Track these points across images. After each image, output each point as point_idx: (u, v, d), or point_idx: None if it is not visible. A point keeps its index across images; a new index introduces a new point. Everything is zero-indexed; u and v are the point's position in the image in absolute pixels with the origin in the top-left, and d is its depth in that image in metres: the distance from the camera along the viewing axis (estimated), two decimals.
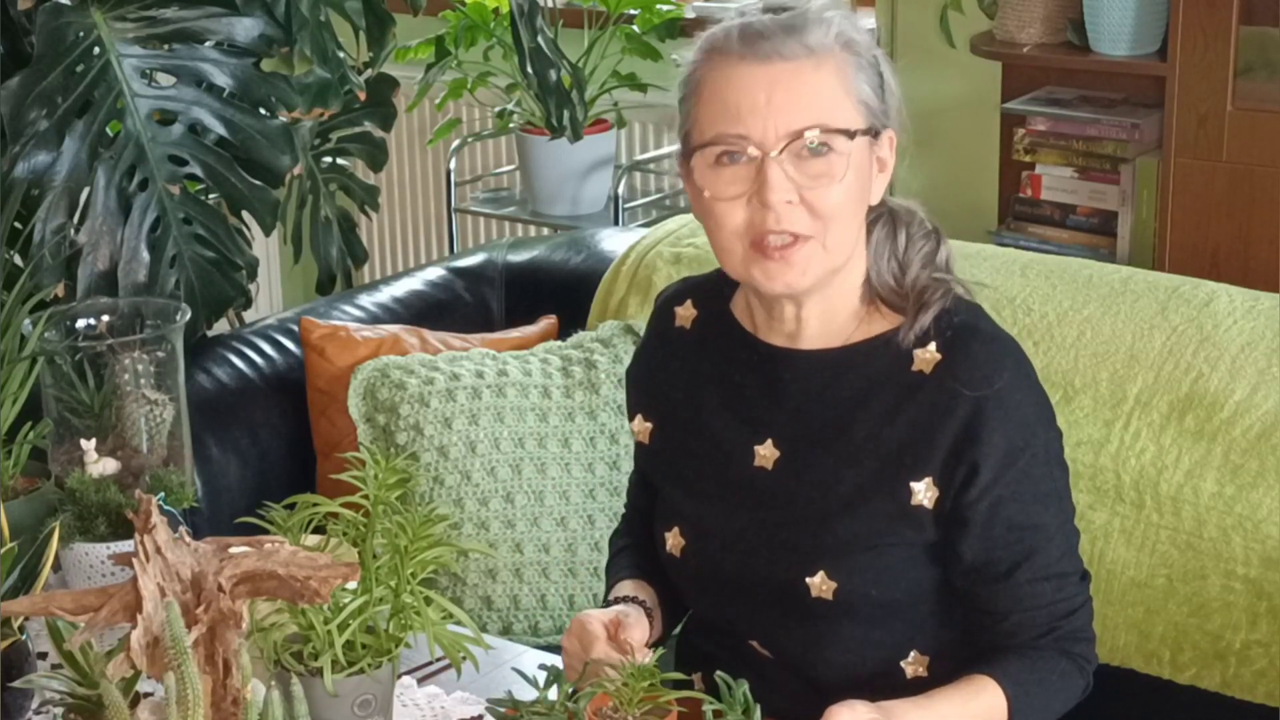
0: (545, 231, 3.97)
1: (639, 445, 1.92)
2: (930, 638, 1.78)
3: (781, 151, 1.64)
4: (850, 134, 1.65)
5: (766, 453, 1.78)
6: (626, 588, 1.87)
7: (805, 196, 1.65)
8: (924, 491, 1.71)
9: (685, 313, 1.89)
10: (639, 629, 1.75)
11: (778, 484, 1.77)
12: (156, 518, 1.51)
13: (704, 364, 1.85)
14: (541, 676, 1.62)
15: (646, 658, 1.69)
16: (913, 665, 1.78)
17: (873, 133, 1.69)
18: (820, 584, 1.73)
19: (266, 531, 1.61)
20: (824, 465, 1.75)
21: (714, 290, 1.86)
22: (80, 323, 2.11)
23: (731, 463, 1.80)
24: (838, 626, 1.76)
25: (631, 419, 1.92)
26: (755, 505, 1.78)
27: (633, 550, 1.96)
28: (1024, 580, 1.72)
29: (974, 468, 1.69)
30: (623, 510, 2.07)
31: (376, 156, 3.16)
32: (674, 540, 1.85)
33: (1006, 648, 1.74)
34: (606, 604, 1.87)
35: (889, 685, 1.75)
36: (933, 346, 1.73)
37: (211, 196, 2.64)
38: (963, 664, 1.75)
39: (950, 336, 1.73)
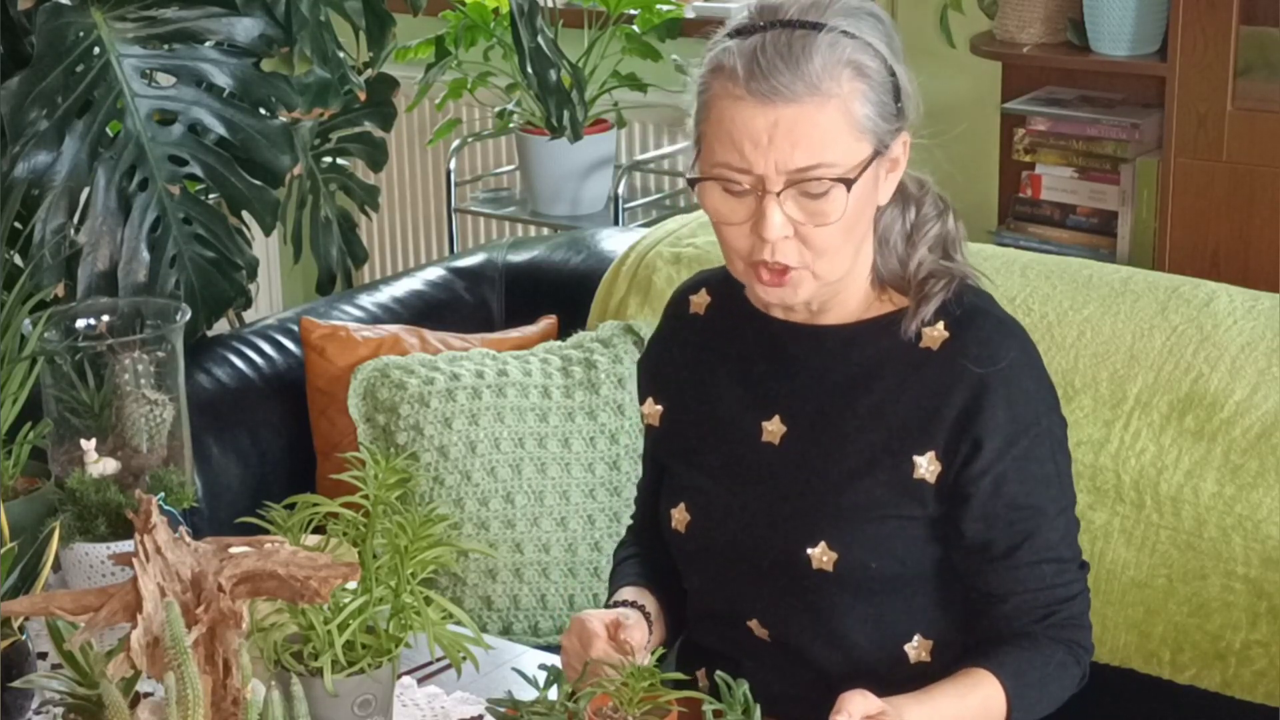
0: (545, 231, 3.96)
1: (649, 429, 1.93)
2: (933, 622, 1.79)
3: (781, 191, 1.65)
4: (850, 182, 1.65)
5: (774, 428, 1.80)
6: (628, 594, 1.88)
7: (801, 232, 1.67)
8: (927, 465, 1.73)
9: (699, 300, 1.91)
10: (639, 630, 1.75)
11: (784, 458, 1.79)
12: (156, 518, 1.51)
13: (715, 344, 1.87)
14: (541, 676, 1.62)
15: (645, 660, 1.69)
16: (916, 650, 1.78)
17: (879, 154, 1.69)
18: (821, 555, 1.74)
19: (266, 531, 1.61)
20: (829, 438, 1.77)
21: (728, 277, 1.87)
22: (80, 323, 2.11)
23: (740, 439, 1.82)
24: (838, 602, 1.76)
25: (642, 403, 1.93)
26: (761, 479, 1.80)
27: (637, 560, 1.96)
28: (1023, 561, 1.74)
29: (977, 443, 1.71)
30: (628, 520, 2.08)
31: (376, 156, 3.16)
32: (679, 516, 1.86)
33: (1004, 637, 1.74)
34: (608, 608, 1.87)
35: (892, 671, 1.76)
36: (941, 325, 1.75)
37: (211, 196, 2.64)
38: (964, 653, 1.75)
39: (960, 315, 1.76)
